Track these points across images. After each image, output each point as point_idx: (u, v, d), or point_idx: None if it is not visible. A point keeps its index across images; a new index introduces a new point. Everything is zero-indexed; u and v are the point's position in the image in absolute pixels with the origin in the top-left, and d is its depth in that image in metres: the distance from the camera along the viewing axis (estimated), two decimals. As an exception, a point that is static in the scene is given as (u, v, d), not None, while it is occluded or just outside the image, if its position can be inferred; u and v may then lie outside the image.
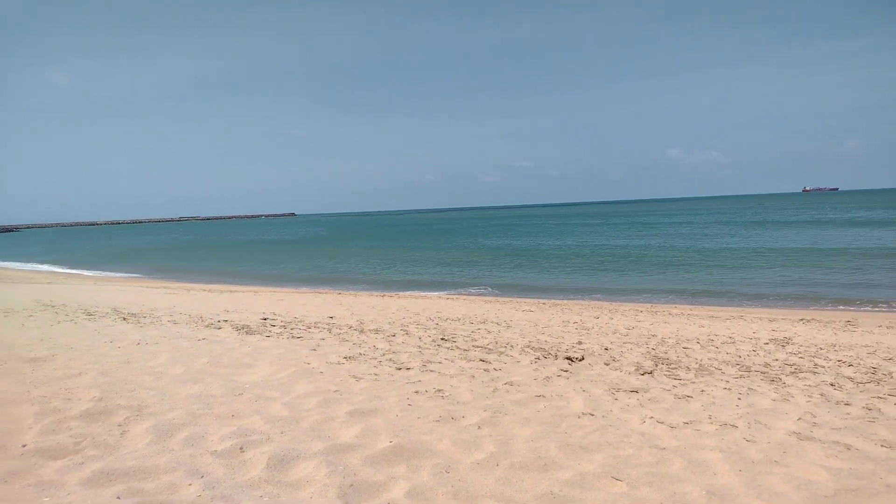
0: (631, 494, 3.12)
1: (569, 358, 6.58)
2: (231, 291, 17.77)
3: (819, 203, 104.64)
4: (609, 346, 7.62)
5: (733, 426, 4.23)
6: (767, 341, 8.32)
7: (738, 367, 6.41)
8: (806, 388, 5.46)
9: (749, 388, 5.37)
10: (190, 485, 3.02)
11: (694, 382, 5.60)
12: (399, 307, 12.34)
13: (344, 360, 6.06)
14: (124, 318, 8.94)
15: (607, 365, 6.31)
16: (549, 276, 23.40)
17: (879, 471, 3.46)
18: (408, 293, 18.32)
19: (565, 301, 16.06)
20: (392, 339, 7.71)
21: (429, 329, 8.82)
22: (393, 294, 17.61)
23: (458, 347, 7.17)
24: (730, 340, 8.34)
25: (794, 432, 4.12)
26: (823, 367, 6.48)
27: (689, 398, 4.98)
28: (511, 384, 5.28)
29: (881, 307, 14.06)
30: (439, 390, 4.97)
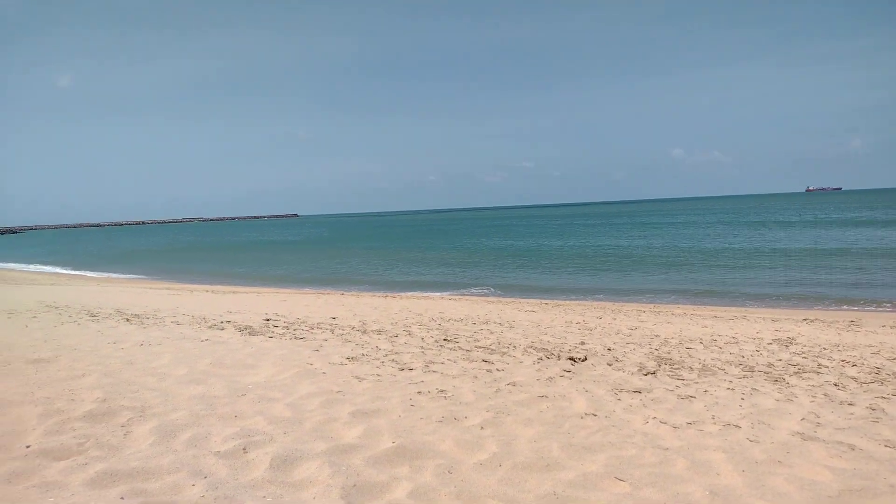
0: (634, 495, 3.11)
1: (571, 358, 6.57)
2: (234, 292, 17.80)
3: (822, 203, 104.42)
4: (612, 346, 7.61)
5: (737, 426, 4.22)
6: (771, 341, 8.30)
7: (741, 367, 6.39)
8: (809, 388, 5.45)
9: (752, 389, 5.36)
10: (193, 485, 3.03)
11: (697, 383, 5.59)
12: (401, 308, 12.34)
13: (347, 361, 6.07)
14: (127, 320, 8.96)
15: (610, 365, 6.31)
16: (551, 276, 23.39)
17: (883, 471, 3.45)
18: (410, 294, 18.33)
19: (568, 301, 16.05)
20: (395, 339, 7.71)
21: (431, 330, 8.82)
22: (395, 295, 17.62)
23: (460, 348, 7.16)
24: (733, 340, 8.32)
25: (798, 432, 4.11)
26: (827, 367, 6.46)
27: (692, 398, 4.98)
28: (514, 385, 5.28)
29: (885, 307, 14.02)
30: (442, 391, 4.98)
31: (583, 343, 7.82)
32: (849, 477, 3.36)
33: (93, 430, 3.75)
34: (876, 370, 6.27)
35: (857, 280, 18.36)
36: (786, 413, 4.58)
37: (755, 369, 6.27)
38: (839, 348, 7.77)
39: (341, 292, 18.49)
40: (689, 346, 7.79)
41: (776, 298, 15.92)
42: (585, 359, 6.58)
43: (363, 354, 6.47)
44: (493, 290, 19.65)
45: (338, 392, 4.85)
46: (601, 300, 16.50)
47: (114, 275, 29.11)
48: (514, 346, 7.37)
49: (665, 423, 4.28)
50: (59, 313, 9.43)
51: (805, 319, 11.47)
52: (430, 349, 7.00)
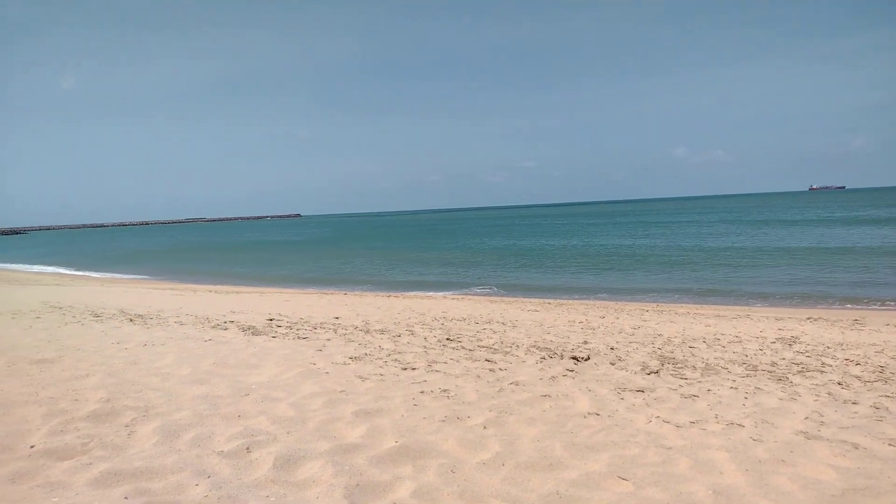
0: (637, 494, 3.11)
1: (574, 357, 6.57)
2: (237, 292, 17.83)
3: (825, 201, 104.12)
4: (615, 345, 7.60)
5: (740, 425, 4.21)
6: (774, 340, 8.28)
7: (744, 366, 6.38)
8: (813, 386, 5.44)
9: (756, 388, 5.35)
10: (197, 485, 3.03)
11: (700, 382, 5.58)
12: (404, 307, 12.35)
13: (349, 361, 6.08)
14: (131, 320, 8.98)
15: (613, 364, 6.30)
16: (554, 275, 23.38)
17: (887, 470, 3.44)
18: (413, 293, 18.34)
19: (571, 301, 16.04)
20: (397, 339, 7.72)
21: (434, 329, 8.82)
22: (398, 294, 17.63)
23: (463, 347, 7.16)
24: (736, 339, 8.31)
25: (802, 431, 4.10)
26: (831, 365, 6.44)
27: (695, 397, 4.97)
28: (516, 384, 5.27)
29: (889, 305, 13.99)
30: (445, 390, 4.98)
31: (586, 342, 7.81)
32: (853, 476, 3.35)
33: (97, 430, 3.76)
34: (880, 369, 6.25)
35: (860, 279, 18.32)
36: (789, 412, 4.57)
37: (758, 368, 6.26)
38: (843, 347, 7.75)
39: (344, 292, 18.50)
40: (693, 345, 7.78)
41: (779, 297, 15.89)
42: (588, 358, 6.58)
43: (366, 354, 6.47)
44: (495, 289, 19.65)
45: (341, 392, 4.85)
46: (604, 299, 16.49)
47: (117, 275, 29.18)
48: (517, 346, 7.36)
49: (668, 422, 4.28)
50: (63, 314, 9.46)
51: (808, 318, 11.45)
52: (432, 349, 7.00)
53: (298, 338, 7.52)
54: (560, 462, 3.51)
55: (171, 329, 8.10)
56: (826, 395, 5.14)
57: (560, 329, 9.19)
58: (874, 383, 5.58)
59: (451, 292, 18.95)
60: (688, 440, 3.90)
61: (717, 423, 4.28)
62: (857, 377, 5.85)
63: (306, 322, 9.23)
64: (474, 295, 18.13)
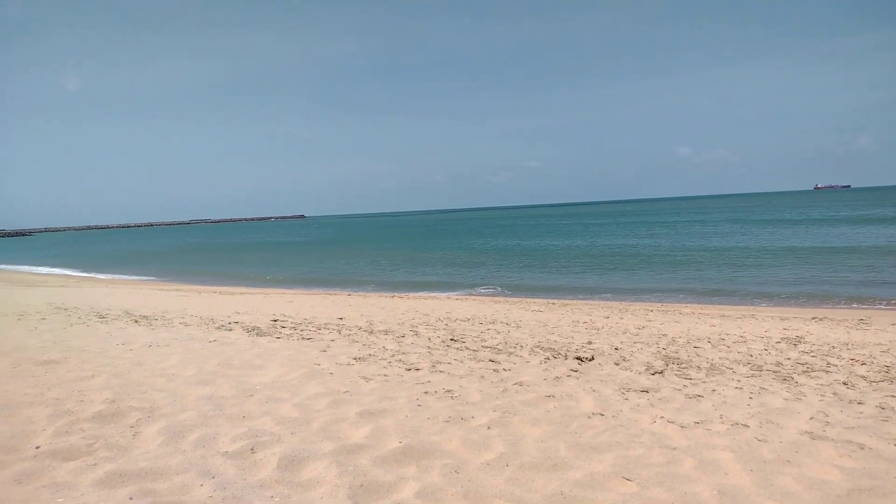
0: (641, 494, 3.11)
1: (578, 358, 6.56)
2: (241, 293, 17.87)
3: (831, 200, 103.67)
4: (619, 345, 7.59)
5: (745, 426, 4.20)
6: (779, 340, 8.25)
7: (749, 366, 6.36)
8: (818, 386, 5.41)
9: (761, 388, 5.33)
10: (201, 485, 3.04)
11: (705, 382, 5.57)
12: (408, 308, 12.36)
13: (354, 361, 6.08)
14: (136, 321, 9.01)
15: (617, 365, 6.29)
16: (558, 275, 23.35)
17: (893, 470, 3.42)
18: (417, 294, 18.34)
19: (575, 301, 16.02)
20: (401, 339, 7.72)
21: (438, 330, 8.83)
22: (402, 295, 17.63)
23: (467, 348, 7.16)
24: (741, 339, 8.28)
25: (807, 431, 4.09)
26: (836, 365, 6.42)
27: (699, 398, 4.96)
28: (521, 384, 5.27)
29: (895, 305, 13.92)
30: (449, 391, 4.98)
31: (590, 342, 7.80)
32: (858, 476, 3.34)
33: (102, 431, 3.78)
34: (885, 369, 6.22)
35: (866, 278, 18.23)
36: (794, 412, 4.55)
37: (763, 368, 6.24)
38: (848, 347, 7.72)
39: (348, 293, 18.52)
40: (697, 345, 7.75)
41: (784, 297, 15.82)
42: (592, 358, 6.57)
43: (370, 355, 6.48)
44: (499, 289, 19.63)
45: (345, 392, 4.86)
46: (608, 299, 16.46)
47: (123, 276, 29.28)
48: (521, 346, 7.36)
49: (673, 422, 4.27)
50: (69, 315, 9.50)
51: (814, 318, 11.40)
52: (436, 349, 7.00)
53: (303, 338, 7.54)
54: (564, 462, 3.50)
55: (176, 330, 8.12)
56: (831, 395, 5.12)
57: (564, 329, 9.18)
58: (880, 383, 5.55)
59: (454, 293, 18.95)
60: (692, 440, 3.89)
61: (722, 423, 4.27)
62: (863, 377, 5.82)
63: (310, 323, 9.25)
64: (478, 295, 18.13)
